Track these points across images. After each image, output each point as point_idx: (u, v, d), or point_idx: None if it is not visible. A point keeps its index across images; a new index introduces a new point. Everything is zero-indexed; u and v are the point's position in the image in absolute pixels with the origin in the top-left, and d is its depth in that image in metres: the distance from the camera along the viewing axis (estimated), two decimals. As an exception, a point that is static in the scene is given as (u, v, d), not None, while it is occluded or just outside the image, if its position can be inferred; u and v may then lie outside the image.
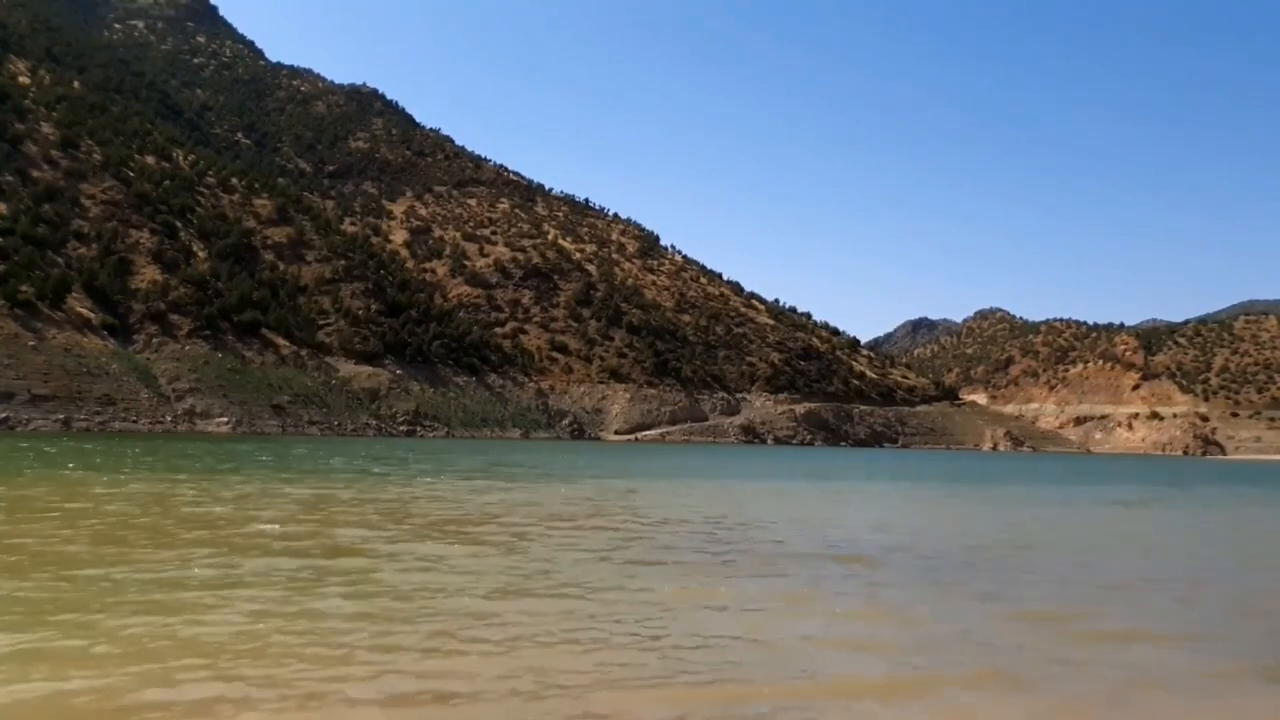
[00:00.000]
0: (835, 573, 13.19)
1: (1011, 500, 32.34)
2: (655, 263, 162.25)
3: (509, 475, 33.31)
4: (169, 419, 68.45)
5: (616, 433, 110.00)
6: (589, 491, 26.51)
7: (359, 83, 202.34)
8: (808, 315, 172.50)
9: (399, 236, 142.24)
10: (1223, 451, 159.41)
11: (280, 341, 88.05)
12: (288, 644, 7.83)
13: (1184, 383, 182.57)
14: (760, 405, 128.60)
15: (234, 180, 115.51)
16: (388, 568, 11.77)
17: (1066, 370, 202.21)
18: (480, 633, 8.48)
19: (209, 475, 26.78)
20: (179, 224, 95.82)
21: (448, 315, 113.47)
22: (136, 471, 26.98)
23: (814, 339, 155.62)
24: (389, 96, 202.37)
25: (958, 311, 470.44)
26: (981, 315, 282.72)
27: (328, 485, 24.68)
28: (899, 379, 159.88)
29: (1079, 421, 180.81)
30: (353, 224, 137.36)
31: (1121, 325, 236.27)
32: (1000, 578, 13.35)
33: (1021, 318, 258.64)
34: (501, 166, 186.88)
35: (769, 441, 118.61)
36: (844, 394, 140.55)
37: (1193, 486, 48.88)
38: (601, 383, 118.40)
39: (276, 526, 15.12)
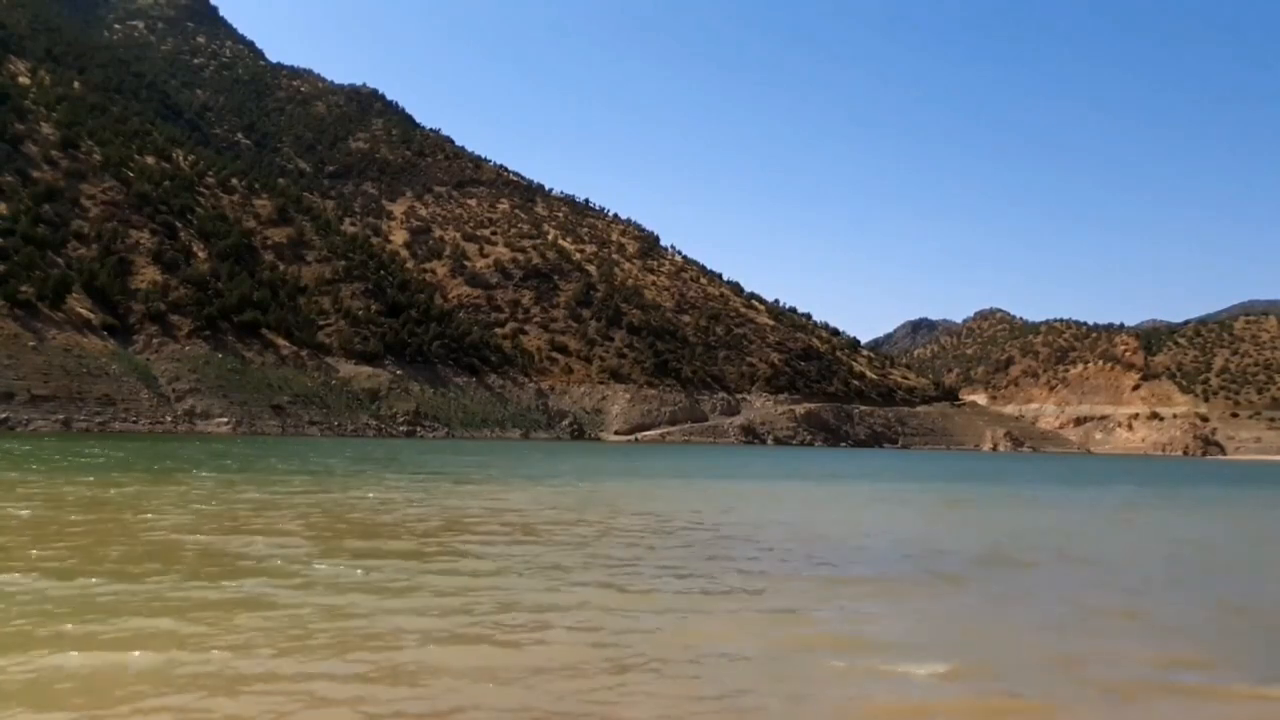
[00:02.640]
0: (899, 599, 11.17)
1: (1040, 503, 31.64)
2: (655, 263, 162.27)
3: (491, 477, 32.05)
4: (169, 419, 68.45)
5: (616, 433, 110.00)
6: (579, 495, 25.29)
7: (359, 83, 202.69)
8: (808, 315, 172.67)
9: (399, 237, 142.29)
10: (1223, 452, 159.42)
11: (280, 342, 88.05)
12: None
13: (1184, 383, 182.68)
14: (760, 405, 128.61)
15: (234, 180, 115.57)
16: (282, 590, 9.75)
17: (1066, 370, 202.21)
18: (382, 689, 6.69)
19: (157, 478, 25.31)
20: (179, 224, 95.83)
21: (448, 315, 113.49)
22: (61, 475, 24.94)
23: (814, 339, 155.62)
24: (389, 96, 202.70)
25: (958, 311, 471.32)
26: (981, 315, 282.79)
27: (281, 488, 22.87)
28: (899, 379, 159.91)
29: (1079, 422, 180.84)
30: (353, 224, 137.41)
31: (1121, 325, 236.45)
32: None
33: (1021, 318, 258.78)
34: (501, 166, 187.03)
35: (769, 442, 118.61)
36: (844, 394, 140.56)
37: (1209, 488, 48.50)
38: (601, 383, 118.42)
39: (176, 536, 13.31)
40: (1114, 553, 17.61)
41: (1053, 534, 20.76)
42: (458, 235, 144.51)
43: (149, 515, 15.86)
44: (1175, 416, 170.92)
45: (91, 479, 23.28)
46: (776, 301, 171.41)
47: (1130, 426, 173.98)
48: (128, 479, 24.02)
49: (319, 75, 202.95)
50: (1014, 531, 20.83)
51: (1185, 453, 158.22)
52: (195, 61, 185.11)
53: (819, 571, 12.99)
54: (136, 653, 7.22)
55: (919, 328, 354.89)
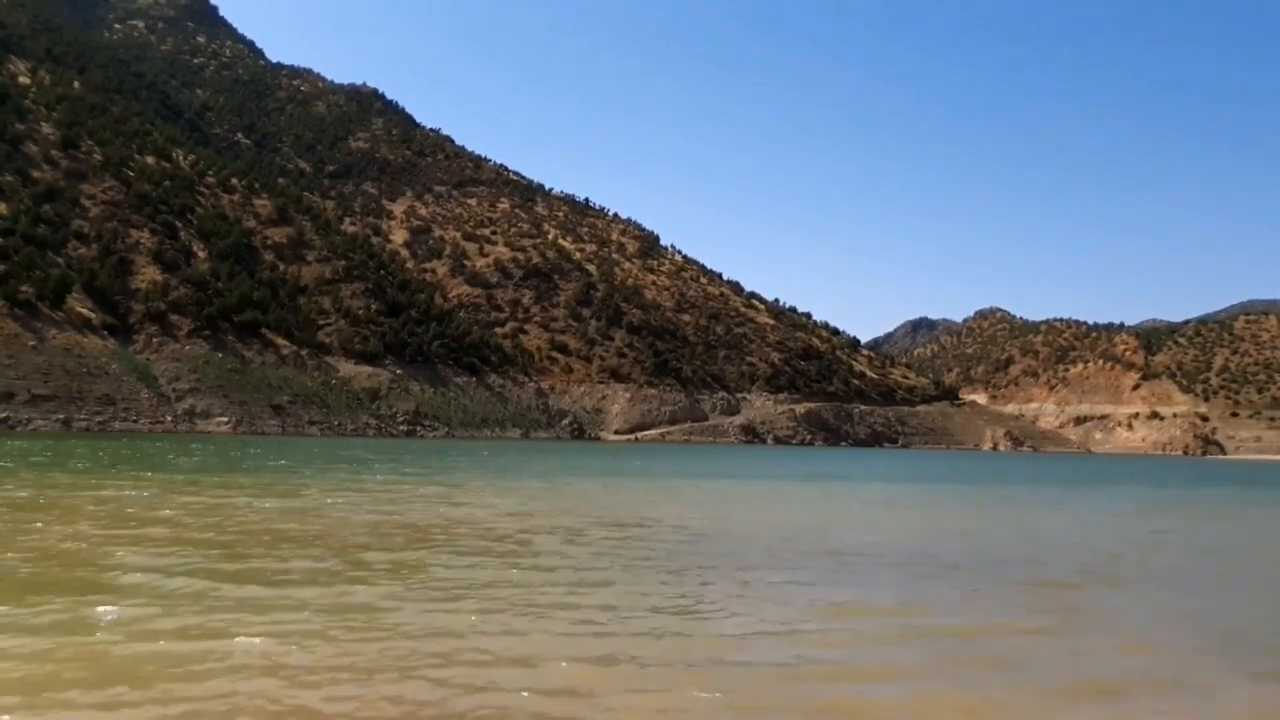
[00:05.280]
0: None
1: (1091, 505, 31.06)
2: (655, 263, 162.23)
3: (474, 479, 30.50)
4: (169, 419, 68.44)
5: (616, 433, 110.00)
6: (559, 498, 23.91)
7: (359, 83, 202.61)
8: (808, 315, 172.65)
9: (399, 236, 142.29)
10: (1223, 451, 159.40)
11: (280, 341, 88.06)
12: None
13: (1184, 383, 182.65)
14: (760, 405, 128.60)
15: (234, 180, 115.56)
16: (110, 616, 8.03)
17: (1066, 370, 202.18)
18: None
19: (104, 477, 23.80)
20: (179, 224, 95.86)
21: (448, 315, 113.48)
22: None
23: (814, 339, 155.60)
24: (389, 96, 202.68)
25: (958, 311, 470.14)
26: (981, 315, 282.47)
27: (222, 491, 20.89)
28: (899, 379, 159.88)
29: (1079, 421, 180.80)
30: (353, 224, 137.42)
31: (1121, 325, 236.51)
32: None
33: (1021, 318, 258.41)
34: (501, 166, 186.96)
35: (769, 441, 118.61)
36: (844, 394, 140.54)
37: (1230, 489, 47.56)
38: (601, 383, 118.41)
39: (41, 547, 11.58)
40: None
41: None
42: (458, 235, 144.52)
43: (38, 523, 13.68)
44: (1175, 416, 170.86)
45: (27, 478, 22.48)
46: (776, 301, 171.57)
47: (1130, 426, 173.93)
48: (59, 480, 22.56)
49: (319, 75, 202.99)
50: (1029, 537, 20.59)
51: (1185, 452, 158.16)
52: (195, 61, 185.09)
53: (806, 584, 11.55)
54: None
55: (919, 327, 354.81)
